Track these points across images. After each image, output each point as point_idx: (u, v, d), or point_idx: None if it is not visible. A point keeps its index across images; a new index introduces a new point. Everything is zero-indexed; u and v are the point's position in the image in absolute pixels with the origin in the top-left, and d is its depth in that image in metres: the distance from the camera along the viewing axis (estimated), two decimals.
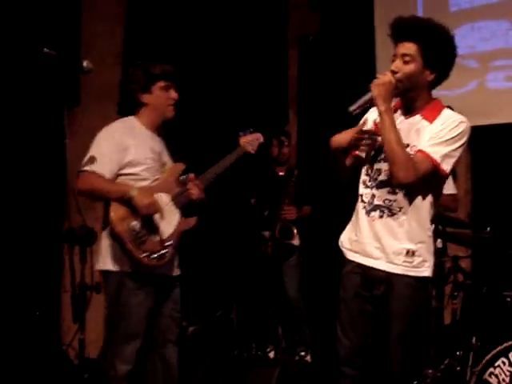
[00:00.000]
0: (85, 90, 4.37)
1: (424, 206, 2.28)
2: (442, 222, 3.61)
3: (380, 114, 2.23)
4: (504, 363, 2.94)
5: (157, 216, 2.64)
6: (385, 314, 2.30)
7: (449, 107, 2.36)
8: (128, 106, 2.77)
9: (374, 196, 2.32)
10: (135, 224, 2.56)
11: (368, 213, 2.33)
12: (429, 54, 2.23)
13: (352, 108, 2.25)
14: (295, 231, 4.39)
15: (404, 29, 2.26)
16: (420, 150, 2.22)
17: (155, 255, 2.60)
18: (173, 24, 4.72)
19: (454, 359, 3.28)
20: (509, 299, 3.16)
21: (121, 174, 2.65)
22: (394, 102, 2.36)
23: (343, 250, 2.45)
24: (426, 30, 2.24)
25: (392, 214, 2.27)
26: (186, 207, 2.77)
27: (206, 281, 4.77)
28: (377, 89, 2.22)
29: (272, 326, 4.51)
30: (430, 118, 2.26)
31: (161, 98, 2.73)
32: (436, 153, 2.20)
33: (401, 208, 2.26)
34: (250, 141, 3.01)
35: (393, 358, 2.28)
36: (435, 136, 2.22)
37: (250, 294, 4.75)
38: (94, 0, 4.48)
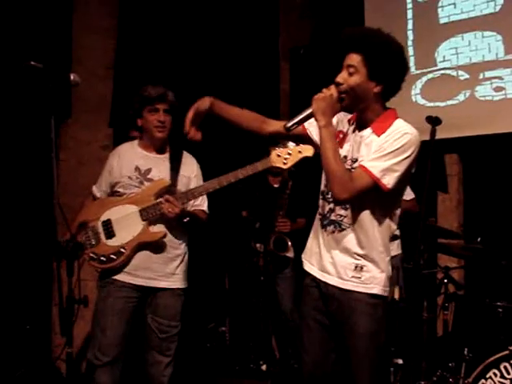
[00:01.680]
0: (76, 102, 4.38)
1: (372, 222, 2.23)
2: (433, 232, 3.63)
3: (319, 128, 2.20)
4: (495, 374, 2.93)
5: (115, 224, 2.92)
6: (340, 330, 2.27)
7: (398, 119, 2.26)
8: (135, 129, 3.12)
9: (331, 210, 2.29)
10: (90, 228, 2.94)
11: (324, 227, 2.31)
12: (373, 65, 2.18)
13: (289, 124, 2.23)
14: (289, 243, 4.38)
15: (350, 40, 2.24)
16: (360, 165, 2.18)
17: (97, 258, 2.90)
18: (164, 37, 4.73)
19: (447, 371, 3.27)
20: (500, 310, 3.15)
21: (113, 192, 3.03)
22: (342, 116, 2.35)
23: (303, 260, 2.42)
24: (371, 41, 2.19)
25: (342, 230, 2.26)
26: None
27: (199, 293, 4.75)
28: (316, 103, 2.19)
29: (265, 338, 4.49)
30: (379, 131, 2.21)
31: (149, 121, 2.97)
32: (375, 167, 2.14)
33: (350, 224, 2.25)
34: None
35: (355, 374, 2.23)
36: (378, 149, 2.18)
37: (243, 307, 4.73)
38: (85, 12, 4.50)
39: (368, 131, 2.25)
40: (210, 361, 4.43)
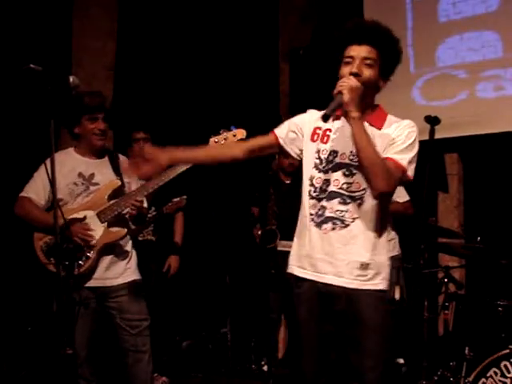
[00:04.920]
0: None
1: (378, 214, 2.19)
2: (434, 232, 3.63)
3: (352, 120, 2.08)
4: (496, 373, 2.93)
5: None
6: (349, 329, 2.21)
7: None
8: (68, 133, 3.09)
9: (324, 208, 2.20)
10: (49, 238, 2.89)
11: (318, 225, 2.21)
12: (385, 62, 2.17)
13: (327, 112, 2.07)
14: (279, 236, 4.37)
15: (366, 32, 2.16)
16: (388, 158, 2.13)
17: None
18: (164, 39, 4.75)
19: (447, 370, 3.27)
20: (501, 309, 3.15)
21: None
22: None
23: (292, 267, 2.30)
24: (387, 38, 2.17)
25: (345, 226, 2.18)
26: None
27: (200, 295, 4.77)
28: (350, 93, 2.05)
29: (267, 338, 4.49)
30: (378, 125, 2.19)
31: (87, 128, 2.99)
32: (403, 159, 2.14)
33: (354, 218, 2.18)
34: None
35: (365, 369, 2.19)
36: (394, 143, 2.15)
37: (245, 307, 4.74)
38: (85, 15, 4.52)
39: (364, 125, 2.15)
40: (212, 362, 4.43)
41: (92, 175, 3.02)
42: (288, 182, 4.62)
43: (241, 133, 2.85)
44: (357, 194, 2.18)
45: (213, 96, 4.93)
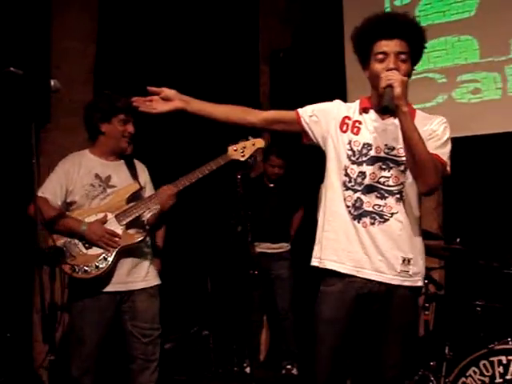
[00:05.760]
0: (56, 107, 4.35)
1: (415, 209, 2.17)
2: None
3: (403, 114, 2.03)
4: (475, 372, 2.98)
5: None
6: (379, 328, 2.17)
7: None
8: (88, 131, 3.03)
9: (361, 201, 2.15)
10: (66, 240, 2.85)
11: (357, 218, 2.15)
12: (415, 55, 2.16)
13: (389, 104, 2.01)
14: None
15: (398, 26, 2.11)
16: (431, 153, 2.09)
17: (79, 268, 2.81)
18: (145, 41, 4.73)
19: (428, 370, 3.30)
20: (479, 309, 3.20)
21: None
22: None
23: (324, 262, 2.19)
24: (416, 31, 2.15)
25: (384, 221, 2.13)
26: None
27: (181, 297, 4.75)
28: (400, 87, 2.00)
29: (249, 339, 4.51)
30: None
31: (118, 129, 2.97)
32: (444, 155, 2.14)
33: (393, 214, 2.13)
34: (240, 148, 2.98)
35: (387, 370, 2.16)
36: (432, 138, 2.14)
37: (226, 309, 4.74)
38: (65, 17, 4.47)
39: (392, 120, 2.16)
40: (195, 364, 4.42)
41: (109, 177, 2.97)
42: (271, 185, 4.67)
43: (260, 142, 2.94)
44: (395, 188, 2.15)
45: (193, 97, 4.91)
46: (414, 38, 2.13)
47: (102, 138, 2.99)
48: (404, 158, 2.15)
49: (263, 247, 4.57)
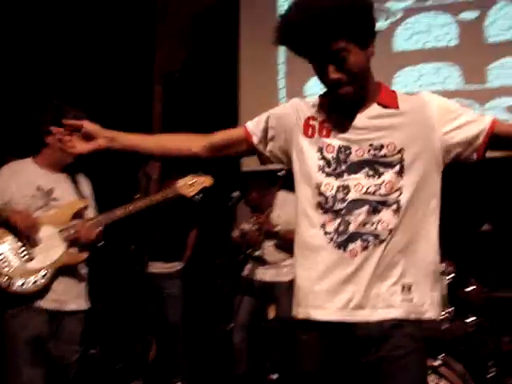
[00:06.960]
0: None
1: (422, 218, 1.68)
2: None
3: None
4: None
5: (34, 246, 2.72)
6: (379, 378, 1.63)
7: None
8: (31, 141, 2.87)
9: (346, 222, 1.65)
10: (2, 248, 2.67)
11: (341, 246, 1.65)
12: (357, 33, 1.61)
13: None
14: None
15: (318, 32, 1.58)
16: (487, 126, 1.69)
17: (18, 282, 2.64)
18: (34, 60, 4.63)
19: None
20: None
21: None
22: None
23: (299, 310, 1.71)
24: (343, 13, 1.58)
25: (381, 241, 1.63)
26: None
27: None
28: None
29: (141, 358, 4.44)
30: (394, 104, 1.70)
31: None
32: (483, 117, 1.73)
33: (391, 230, 1.64)
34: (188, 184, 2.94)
35: None
36: (458, 119, 1.68)
37: (115, 328, 4.65)
38: None
39: (375, 108, 1.70)
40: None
41: (51, 190, 2.81)
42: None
43: (209, 180, 2.91)
44: (390, 197, 1.65)
45: (87, 117, 4.86)
46: (346, 25, 1.59)
47: (47, 150, 2.83)
48: (399, 156, 1.66)
49: (156, 267, 4.57)
